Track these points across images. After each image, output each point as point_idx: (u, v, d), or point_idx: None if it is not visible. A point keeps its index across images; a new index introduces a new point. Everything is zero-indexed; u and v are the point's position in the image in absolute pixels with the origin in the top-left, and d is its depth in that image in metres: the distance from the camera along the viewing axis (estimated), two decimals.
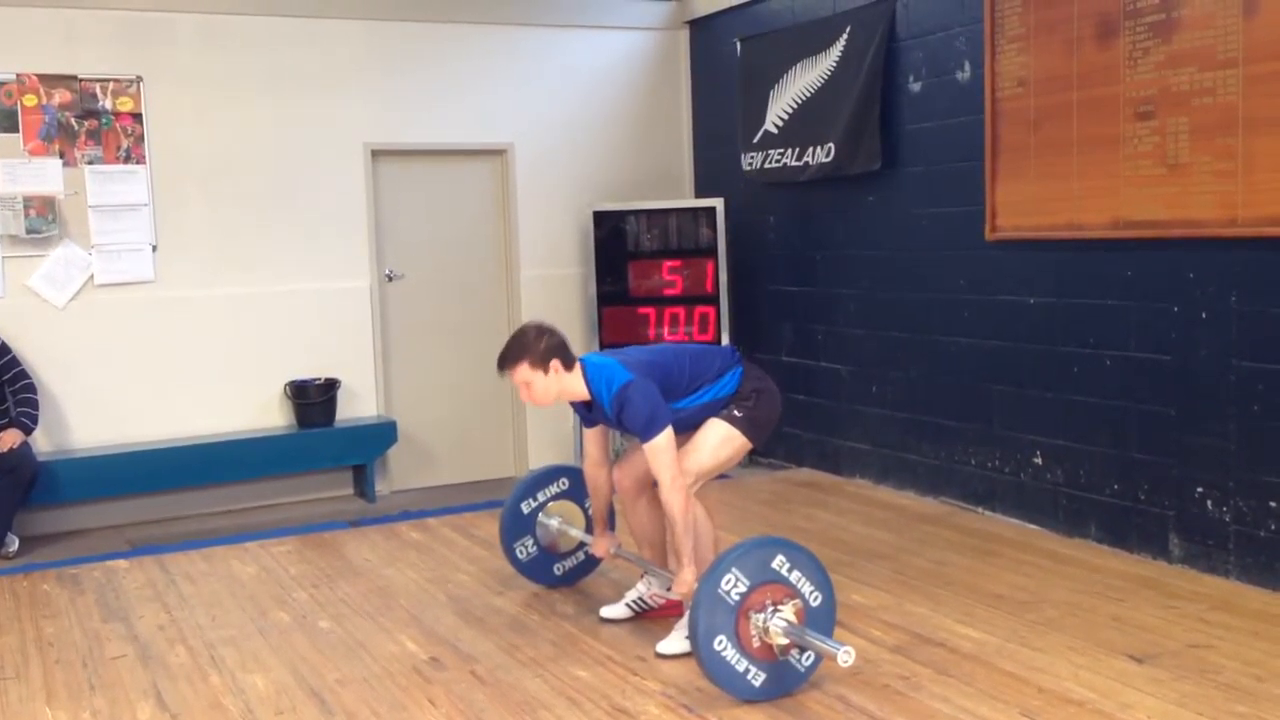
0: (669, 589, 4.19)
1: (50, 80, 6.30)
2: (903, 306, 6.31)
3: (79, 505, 6.41)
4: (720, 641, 3.61)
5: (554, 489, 4.89)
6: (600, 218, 7.43)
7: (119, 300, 6.50)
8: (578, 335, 7.40)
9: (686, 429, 4.16)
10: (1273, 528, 4.56)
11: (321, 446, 6.83)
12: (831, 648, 3.54)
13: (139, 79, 6.47)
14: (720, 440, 4.13)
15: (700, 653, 3.63)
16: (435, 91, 7.20)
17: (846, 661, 3.50)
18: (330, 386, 6.88)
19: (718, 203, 7.17)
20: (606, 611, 4.53)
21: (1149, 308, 5.00)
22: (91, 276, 6.42)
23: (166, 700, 3.90)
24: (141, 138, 6.49)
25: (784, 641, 3.63)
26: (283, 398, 6.88)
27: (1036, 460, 5.57)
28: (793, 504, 6.30)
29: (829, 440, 6.94)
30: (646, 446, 3.96)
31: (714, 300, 7.16)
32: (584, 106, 7.59)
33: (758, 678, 3.66)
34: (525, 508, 4.84)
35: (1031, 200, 5.44)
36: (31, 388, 6.12)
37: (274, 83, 6.79)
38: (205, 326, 6.70)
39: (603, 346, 7.32)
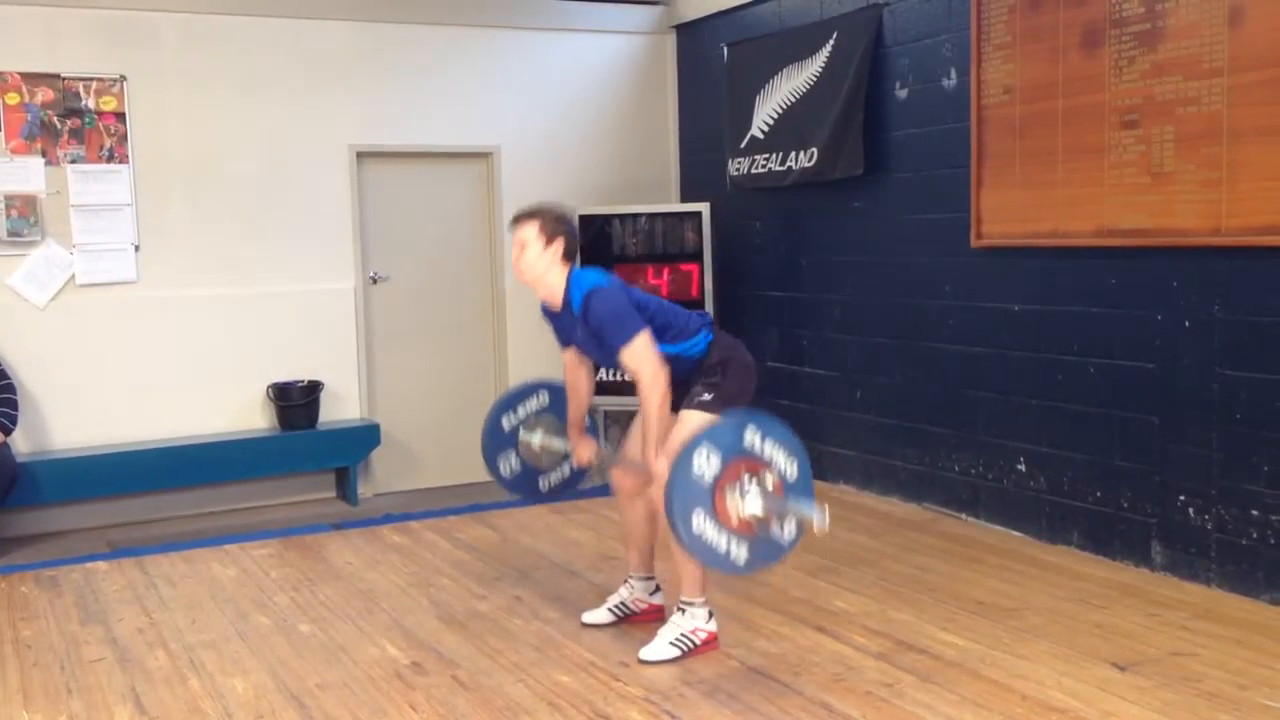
0: (637, 469, 4.10)
1: (33, 79, 6.26)
2: (888, 312, 6.32)
3: (58, 506, 6.37)
4: (699, 517, 3.58)
5: (534, 403, 4.74)
6: (586, 221, 7.42)
7: (101, 300, 6.46)
8: None
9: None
10: (1254, 536, 4.58)
11: (304, 449, 6.79)
12: (808, 511, 3.54)
13: (122, 78, 6.44)
14: (699, 430, 4.08)
15: (680, 534, 3.60)
16: (421, 93, 7.18)
17: (823, 523, 3.51)
18: (313, 389, 6.85)
19: (703, 207, 7.17)
20: (589, 616, 4.51)
21: (1133, 316, 5.01)
22: (73, 276, 6.38)
23: (145, 704, 3.87)
24: (124, 137, 6.45)
25: (761, 514, 3.61)
26: (265, 400, 6.84)
27: (1020, 467, 5.58)
28: None
29: (813, 445, 6.93)
30: (624, 352, 3.91)
31: (699, 305, 7.15)
32: (571, 110, 7.58)
33: (740, 554, 3.64)
34: (506, 423, 4.70)
35: (1017, 207, 5.45)
36: (11, 388, 6.08)
37: (258, 83, 6.76)
38: (187, 327, 6.66)
39: None
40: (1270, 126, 4.39)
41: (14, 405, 6.06)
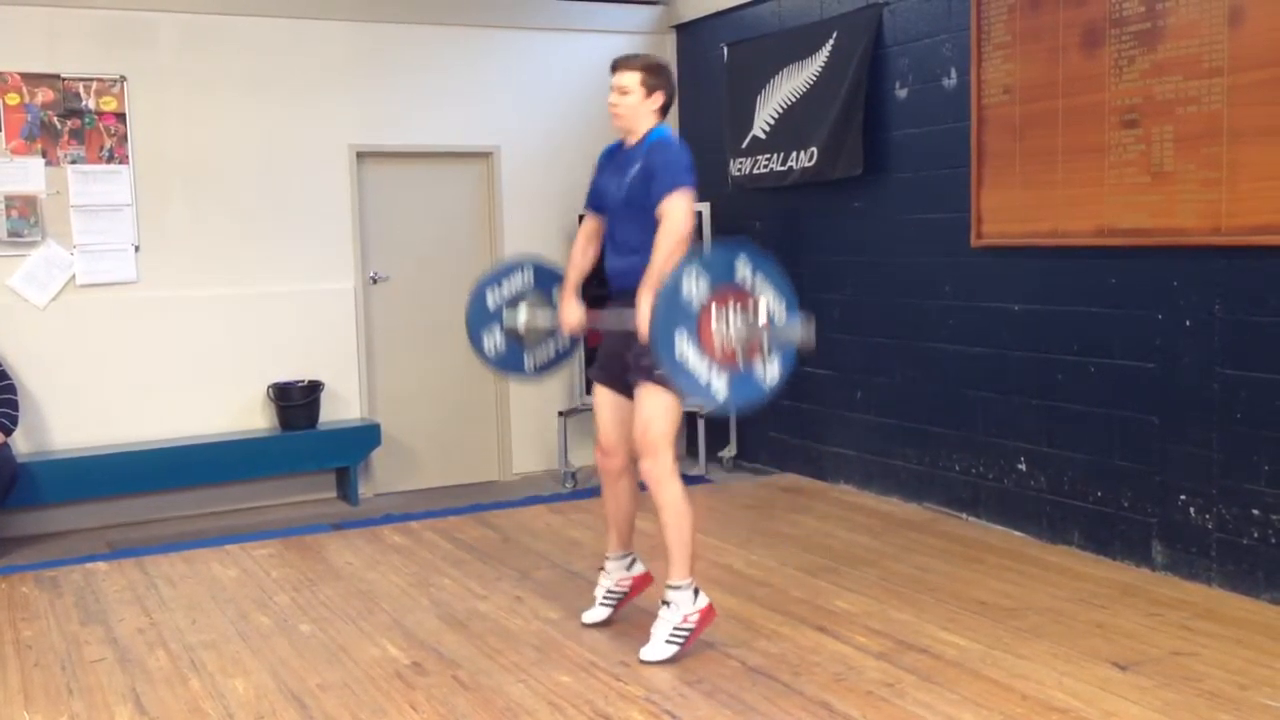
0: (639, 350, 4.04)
1: (33, 79, 6.26)
2: (888, 312, 6.32)
3: (58, 507, 6.36)
4: (682, 339, 3.59)
5: (519, 280, 4.67)
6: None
7: (101, 301, 6.46)
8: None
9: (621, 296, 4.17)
10: (1255, 535, 4.58)
11: (304, 449, 6.79)
12: (792, 334, 3.60)
13: (122, 79, 6.44)
14: (665, 405, 4.03)
15: (661, 352, 3.60)
16: (421, 94, 7.18)
17: (809, 339, 3.58)
18: (313, 389, 6.85)
19: (704, 207, 7.16)
20: (588, 617, 4.52)
21: (1133, 315, 5.01)
22: (73, 277, 6.38)
23: (145, 704, 3.87)
24: (124, 138, 6.45)
25: (745, 343, 3.62)
26: (265, 400, 6.84)
27: (1020, 467, 5.58)
28: (776, 509, 6.30)
29: (813, 445, 6.94)
30: (668, 199, 3.95)
31: None
32: (571, 110, 7.58)
33: (720, 386, 3.64)
34: (490, 300, 4.64)
35: (1017, 207, 5.45)
36: (12, 388, 6.08)
37: (259, 83, 6.76)
38: (188, 328, 6.66)
39: (588, 349, 7.31)
40: (1270, 126, 4.39)
41: (14, 406, 6.06)
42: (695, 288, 3.61)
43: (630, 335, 4.01)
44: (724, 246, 3.80)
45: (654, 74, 4.17)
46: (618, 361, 4.22)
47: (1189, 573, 4.82)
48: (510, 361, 4.71)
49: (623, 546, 4.47)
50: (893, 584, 4.90)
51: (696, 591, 4.16)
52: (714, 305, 3.64)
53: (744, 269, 3.69)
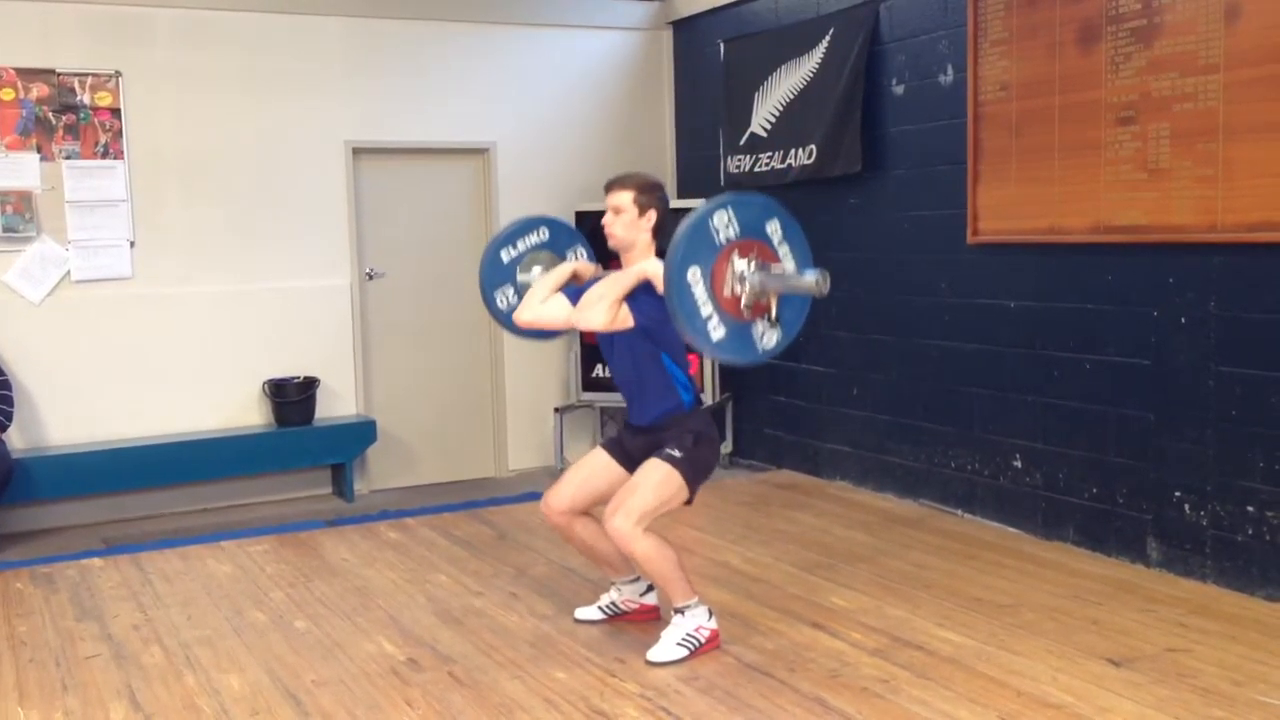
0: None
1: (28, 74, 6.25)
2: (884, 309, 6.32)
3: (54, 503, 6.36)
4: (694, 273, 3.58)
5: (534, 238, 4.67)
6: (582, 218, 7.39)
7: (96, 297, 6.45)
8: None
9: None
10: (1250, 532, 4.58)
11: (300, 445, 6.79)
12: (808, 280, 3.59)
13: (118, 74, 6.42)
14: (661, 479, 4.02)
15: (669, 280, 3.58)
16: (417, 90, 7.17)
17: (823, 287, 3.55)
18: (309, 385, 6.85)
19: (699, 204, 7.14)
20: (581, 613, 4.53)
21: (1129, 312, 5.01)
22: (68, 273, 6.36)
23: (140, 700, 3.87)
24: (120, 133, 6.44)
25: (757, 295, 3.61)
26: (261, 396, 6.84)
27: (1016, 463, 5.58)
28: (773, 506, 6.30)
29: (809, 442, 6.94)
30: (649, 265, 3.96)
31: None
32: (566, 106, 7.58)
33: (717, 330, 3.62)
34: (505, 256, 4.63)
35: (1013, 204, 5.45)
36: (7, 384, 6.07)
37: (254, 79, 6.75)
38: (183, 324, 6.65)
39: (584, 347, 7.31)
40: (1266, 123, 4.39)
41: (10, 402, 6.05)
42: (725, 225, 3.59)
43: (666, 434, 4.05)
44: (761, 200, 3.78)
45: (646, 192, 4.12)
46: (643, 450, 4.15)
47: (1184, 569, 4.83)
48: None
49: (628, 571, 4.42)
50: (888, 580, 4.90)
51: (710, 612, 4.16)
52: (736, 250, 3.64)
53: (775, 228, 3.69)
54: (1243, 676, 3.80)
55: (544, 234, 4.70)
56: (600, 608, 4.49)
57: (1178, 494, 4.85)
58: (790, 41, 6.70)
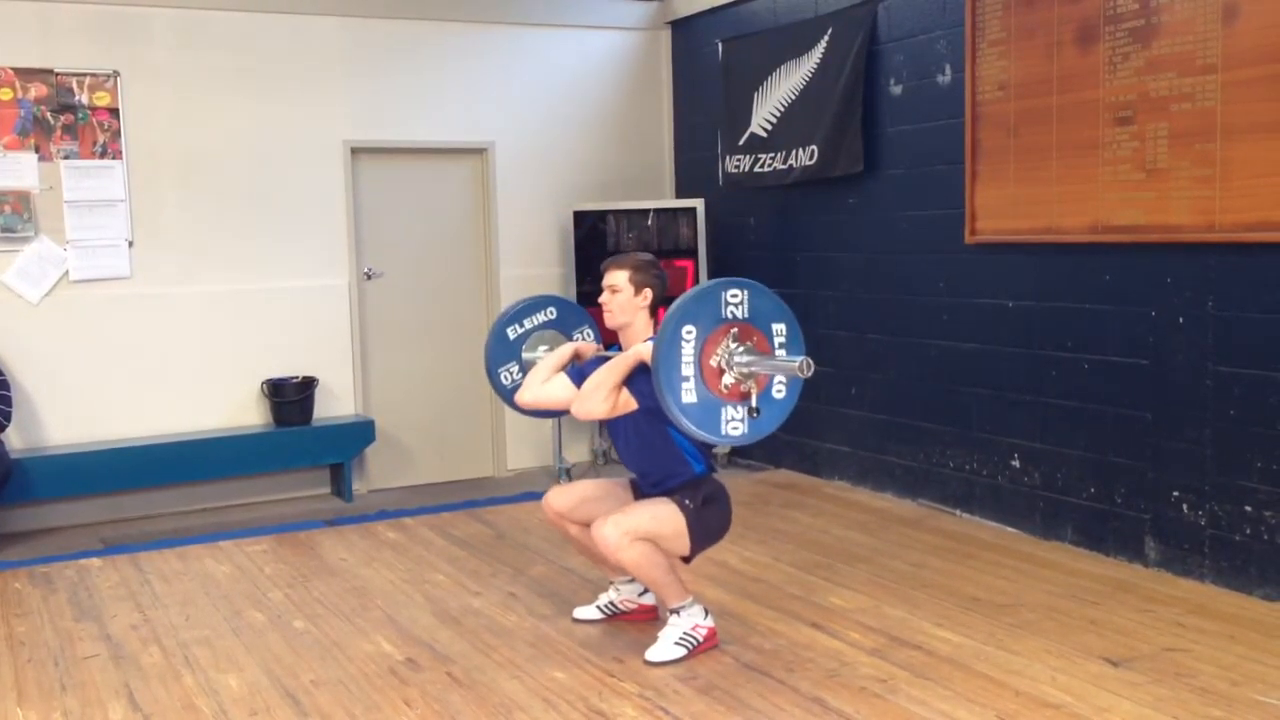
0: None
1: (26, 74, 6.25)
2: (882, 309, 6.32)
3: (52, 503, 6.36)
4: (689, 331, 3.62)
5: (541, 317, 4.71)
6: (580, 217, 7.42)
7: (94, 297, 6.45)
8: None
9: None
10: (1248, 532, 4.59)
11: (298, 445, 6.79)
12: (795, 360, 3.63)
13: (116, 74, 6.42)
14: (664, 512, 4.03)
15: (664, 330, 3.61)
16: (416, 89, 7.17)
17: (807, 371, 3.59)
18: (308, 385, 6.85)
19: (698, 203, 7.16)
20: (579, 612, 4.53)
21: (1127, 312, 5.02)
22: (67, 272, 6.36)
23: (139, 700, 3.87)
24: (118, 133, 6.44)
25: (744, 375, 3.66)
26: (259, 396, 6.84)
27: (1014, 463, 5.59)
28: (771, 505, 6.30)
29: (808, 442, 6.95)
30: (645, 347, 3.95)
31: None
32: (565, 106, 7.58)
33: (689, 394, 3.64)
34: (511, 334, 4.67)
35: (1011, 204, 5.45)
36: (5, 384, 6.07)
37: (253, 79, 6.75)
38: (181, 323, 6.65)
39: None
40: (1263, 123, 4.39)
41: (8, 402, 6.05)
42: (737, 303, 3.64)
43: (679, 492, 4.09)
44: (780, 301, 3.81)
45: (642, 270, 4.12)
46: (660, 489, 4.18)
47: (1182, 569, 4.83)
48: None
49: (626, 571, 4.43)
50: (886, 580, 4.91)
51: (706, 611, 4.16)
52: (736, 329, 3.66)
53: (780, 329, 3.73)
54: (1240, 676, 3.81)
55: (551, 313, 4.74)
56: (599, 607, 4.50)
57: (1176, 494, 4.85)
58: (789, 42, 6.70)
